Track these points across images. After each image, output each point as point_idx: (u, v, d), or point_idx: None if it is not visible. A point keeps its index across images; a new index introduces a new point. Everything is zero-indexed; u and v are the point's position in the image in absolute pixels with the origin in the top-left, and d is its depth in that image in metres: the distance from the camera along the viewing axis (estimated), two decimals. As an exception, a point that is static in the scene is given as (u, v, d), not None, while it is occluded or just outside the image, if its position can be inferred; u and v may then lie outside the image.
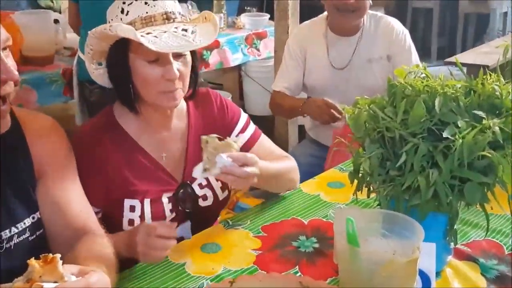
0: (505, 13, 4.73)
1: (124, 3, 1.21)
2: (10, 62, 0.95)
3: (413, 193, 0.97)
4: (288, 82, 2.10)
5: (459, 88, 1.01)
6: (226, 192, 1.38)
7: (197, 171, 1.16)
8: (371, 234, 0.92)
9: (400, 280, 0.85)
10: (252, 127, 1.41)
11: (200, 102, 1.37)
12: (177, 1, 1.26)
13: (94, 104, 2.58)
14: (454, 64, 2.88)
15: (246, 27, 3.41)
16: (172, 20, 1.21)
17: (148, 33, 1.15)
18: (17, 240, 1.02)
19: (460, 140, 0.93)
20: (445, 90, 1.00)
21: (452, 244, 1.09)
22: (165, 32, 1.17)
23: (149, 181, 1.29)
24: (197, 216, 1.32)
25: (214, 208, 1.36)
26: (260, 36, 3.43)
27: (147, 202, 1.26)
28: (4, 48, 0.94)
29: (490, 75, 1.05)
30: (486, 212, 1.00)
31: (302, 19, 2.78)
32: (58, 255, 0.78)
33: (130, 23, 1.19)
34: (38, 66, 2.72)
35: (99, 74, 1.28)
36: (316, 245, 1.20)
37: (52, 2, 3.60)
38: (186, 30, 1.18)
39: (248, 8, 4.02)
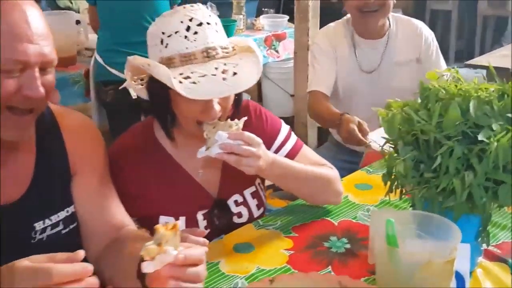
0: (525, 16, 4.72)
1: (163, 33, 1.17)
2: (50, 79, 0.97)
3: (448, 195, 0.99)
4: (325, 82, 2.05)
5: (493, 91, 1.03)
6: (262, 210, 1.38)
7: (200, 152, 1.16)
8: (407, 236, 0.93)
9: (437, 280, 0.87)
10: (294, 138, 1.39)
11: (238, 115, 1.29)
12: (220, 30, 1.20)
13: (109, 105, 2.61)
14: (473, 66, 2.88)
15: (265, 29, 3.44)
16: (212, 57, 1.15)
17: (186, 77, 1.11)
18: (50, 232, 1.05)
19: (495, 143, 0.94)
20: (479, 94, 1.01)
21: (484, 245, 1.11)
22: (204, 76, 1.12)
23: (185, 197, 1.29)
24: (230, 237, 1.30)
25: None
26: (279, 38, 3.45)
27: (182, 219, 1.27)
28: (43, 68, 0.95)
29: (522, 78, 1.06)
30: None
31: (321, 21, 2.80)
32: (178, 223, 0.84)
33: (169, 59, 1.15)
34: (62, 67, 2.77)
35: (140, 89, 1.26)
36: (348, 246, 1.22)
37: (71, 2, 3.64)
38: (226, 71, 1.13)
39: (266, 9, 4.04)
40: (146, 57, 1.21)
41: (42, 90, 0.93)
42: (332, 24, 2.17)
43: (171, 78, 1.09)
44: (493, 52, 3.35)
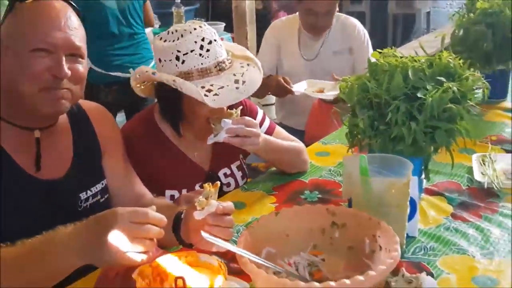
0: (428, 13, 5.28)
1: (179, 51, 1.37)
2: (80, 69, 1.17)
3: (398, 141, 1.30)
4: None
5: (423, 62, 1.35)
6: (245, 179, 1.66)
7: (210, 139, 1.42)
8: (372, 173, 1.22)
9: (399, 199, 1.17)
10: (268, 120, 1.68)
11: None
12: (221, 43, 1.45)
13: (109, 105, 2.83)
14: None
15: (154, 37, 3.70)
16: (223, 69, 1.41)
17: (208, 90, 1.36)
18: (92, 201, 1.27)
19: (430, 99, 1.26)
20: (414, 64, 1.34)
21: (425, 181, 1.43)
22: (222, 87, 1.37)
23: (184, 174, 1.55)
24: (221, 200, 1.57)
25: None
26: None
27: (183, 191, 1.52)
28: (72, 55, 1.16)
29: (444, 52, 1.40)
30: (451, 152, 1.34)
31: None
32: (218, 183, 1.09)
33: (187, 73, 1.38)
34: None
35: (141, 90, 1.50)
36: (319, 196, 1.51)
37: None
38: (237, 81, 1.39)
39: (198, 18, 4.33)
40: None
41: (67, 71, 1.12)
42: (283, 18, 2.55)
43: (201, 93, 1.33)
44: (406, 45, 3.80)
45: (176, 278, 0.82)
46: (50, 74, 1.12)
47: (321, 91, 2.24)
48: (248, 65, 1.47)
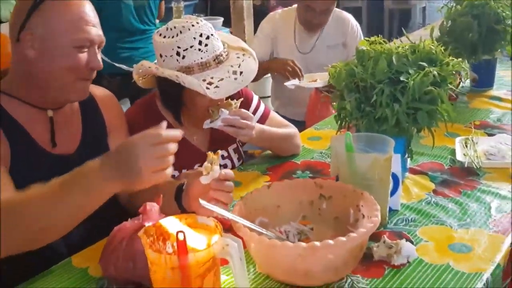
0: (424, 8, 5.38)
1: (179, 47, 1.47)
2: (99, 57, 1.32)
3: (382, 122, 1.40)
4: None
5: (407, 48, 1.45)
6: (241, 161, 1.77)
7: (206, 123, 1.52)
8: (359, 149, 1.32)
9: (381, 174, 1.27)
10: (263, 106, 1.78)
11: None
12: (217, 36, 1.54)
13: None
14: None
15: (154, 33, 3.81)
16: (221, 62, 1.51)
17: (209, 83, 1.46)
18: None
19: (412, 82, 1.36)
20: (398, 50, 1.44)
21: (409, 160, 1.53)
22: (222, 79, 1.47)
23: (185, 156, 1.61)
24: None
25: None
26: (216, 37, 3.82)
27: (184, 171, 1.61)
28: (99, 47, 1.31)
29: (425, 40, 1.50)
30: (432, 133, 1.44)
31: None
32: (219, 151, 1.21)
33: (188, 67, 1.48)
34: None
35: (143, 83, 1.61)
36: (310, 175, 1.61)
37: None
38: (235, 73, 1.50)
39: (197, 14, 4.43)
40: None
41: (101, 64, 1.29)
42: (279, 11, 2.63)
43: (202, 86, 1.44)
44: (401, 39, 3.88)
45: (178, 232, 0.92)
46: (89, 67, 1.28)
47: (315, 81, 2.34)
48: (243, 55, 1.57)
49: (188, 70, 1.49)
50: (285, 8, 2.65)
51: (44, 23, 1.25)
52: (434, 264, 1.18)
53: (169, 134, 1.06)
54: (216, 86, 1.47)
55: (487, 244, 1.25)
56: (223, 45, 1.56)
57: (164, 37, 1.50)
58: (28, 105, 1.30)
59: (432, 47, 1.46)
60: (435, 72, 1.37)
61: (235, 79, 1.50)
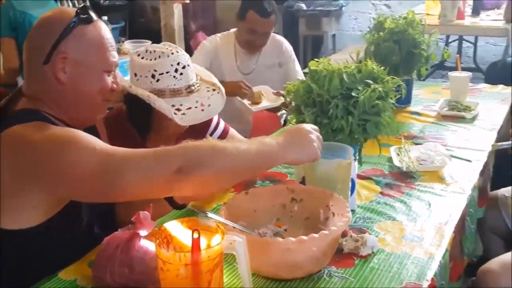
0: (334, 35, 5.78)
1: (156, 70, 1.59)
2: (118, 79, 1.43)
3: (338, 132, 1.58)
4: None
5: (354, 68, 1.65)
6: None
7: None
8: (321, 156, 1.49)
9: (343, 177, 1.45)
10: (222, 123, 1.91)
11: None
12: (193, 69, 1.68)
13: None
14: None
15: (131, 52, 3.86)
16: (192, 92, 1.63)
17: (178, 109, 1.58)
18: None
19: (362, 97, 1.56)
20: (347, 70, 1.63)
21: (357, 166, 1.73)
22: (190, 108, 1.60)
23: None
24: None
25: None
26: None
27: None
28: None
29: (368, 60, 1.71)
30: (378, 141, 1.64)
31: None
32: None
33: (160, 90, 1.59)
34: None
35: None
36: (271, 184, 1.76)
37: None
38: (203, 105, 1.62)
39: (119, 37, 4.49)
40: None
41: (120, 84, 1.40)
42: (219, 34, 2.77)
43: (171, 110, 1.55)
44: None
45: (193, 230, 1.02)
46: (111, 89, 1.38)
47: (260, 97, 2.51)
48: (213, 90, 1.71)
49: (160, 93, 1.59)
50: (224, 32, 2.81)
51: (78, 47, 1.31)
52: (394, 252, 1.37)
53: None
54: (183, 114, 1.60)
55: (433, 233, 1.46)
56: (196, 78, 1.68)
57: (142, 58, 1.60)
58: (62, 122, 1.34)
59: (374, 67, 1.67)
60: (380, 89, 1.58)
61: (202, 110, 1.63)
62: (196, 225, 1.14)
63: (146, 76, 1.59)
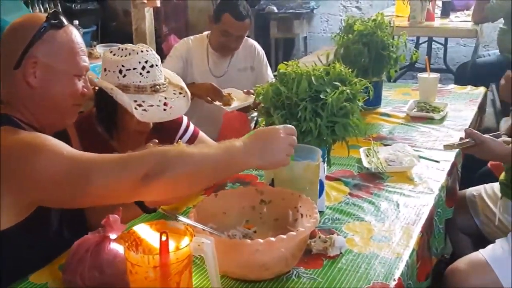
0: (305, 37, 5.81)
1: (123, 66, 1.60)
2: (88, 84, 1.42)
3: (306, 135, 1.60)
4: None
5: (322, 70, 1.67)
6: None
7: None
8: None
9: (312, 177, 1.46)
10: (192, 126, 1.92)
11: None
12: (161, 69, 1.69)
13: None
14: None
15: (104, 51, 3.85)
16: (157, 91, 1.63)
17: (139, 105, 1.58)
18: None
19: (330, 99, 1.57)
20: (315, 73, 1.65)
21: (326, 168, 1.75)
22: (152, 106, 1.60)
23: None
24: None
25: None
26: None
27: None
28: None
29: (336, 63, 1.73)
30: (347, 142, 1.66)
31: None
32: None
33: (125, 86, 1.60)
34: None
35: None
36: (241, 186, 1.76)
37: None
38: (166, 104, 1.63)
39: (92, 41, 4.45)
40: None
41: (91, 89, 1.40)
42: (191, 37, 2.76)
43: (132, 105, 1.55)
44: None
45: (161, 233, 1.03)
46: (81, 93, 1.38)
47: (229, 100, 2.51)
48: (180, 93, 1.72)
49: (125, 88, 1.60)
50: (197, 35, 2.80)
51: (48, 52, 1.31)
52: (362, 253, 1.39)
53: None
54: (144, 110, 1.60)
55: (401, 233, 1.48)
56: (165, 80, 1.68)
57: (114, 54, 1.62)
58: (31, 127, 1.32)
59: (342, 69, 1.69)
60: (348, 91, 1.60)
61: (164, 110, 1.64)
62: (165, 228, 1.14)
63: (114, 71, 1.61)
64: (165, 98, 1.66)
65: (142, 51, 1.63)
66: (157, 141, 1.53)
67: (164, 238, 1.02)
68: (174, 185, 1.17)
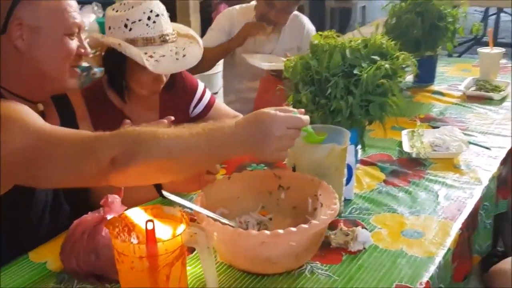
0: (363, 7, 5.52)
1: (128, 19, 1.51)
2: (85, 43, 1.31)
3: (336, 114, 1.44)
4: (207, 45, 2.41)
5: (359, 42, 1.50)
6: None
7: None
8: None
9: (338, 163, 1.31)
10: (208, 94, 1.81)
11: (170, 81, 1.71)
12: (168, 19, 1.59)
13: None
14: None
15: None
16: (166, 41, 1.53)
17: (150, 56, 1.48)
18: None
19: (365, 75, 1.41)
20: (351, 44, 1.48)
21: (360, 152, 1.59)
22: (163, 56, 1.50)
23: None
24: None
25: None
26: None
27: None
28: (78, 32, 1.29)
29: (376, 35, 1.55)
30: (384, 124, 1.49)
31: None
32: None
33: (132, 40, 1.51)
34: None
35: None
36: (265, 167, 1.63)
37: None
38: (178, 53, 1.52)
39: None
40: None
41: (89, 50, 1.29)
42: (236, 6, 2.56)
43: (143, 57, 1.44)
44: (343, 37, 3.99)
45: (147, 221, 0.92)
46: (77, 54, 1.27)
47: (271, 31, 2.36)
48: (191, 42, 1.61)
49: (132, 42, 1.52)
50: (243, 5, 2.57)
51: (33, 12, 1.21)
52: (388, 249, 1.23)
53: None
54: (156, 60, 1.51)
55: (437, 229, 1.31)
56: (173, 31, 1.58)
57: (116, 11, 1.55)
58: (19, 98, 1.23)
59: (383, 41, 1.51)
60: (387, 66, 1.42)
61: (177, 59, 1.54)
62: (161, 214, 1.04)
63: (119, 27, 1.53)
64: (176, 47, 1.56)
65: (145, 1, 1.54)
66: (172, 118, 1.40)
67: (150, 226, 0.92)
68: (145, 172, 1.04)
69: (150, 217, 1.02)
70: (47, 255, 1.24)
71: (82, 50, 1.29)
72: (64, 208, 1.36)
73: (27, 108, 1.11)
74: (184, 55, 1.55)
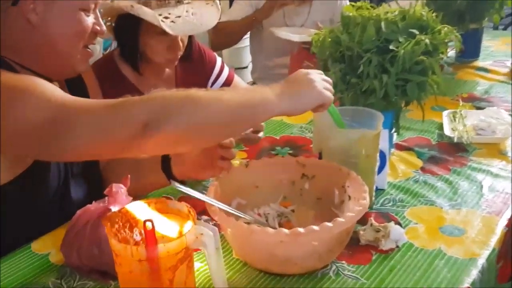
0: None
1: None
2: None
3: (369, 94, 1.30)
4: (233, 18, 2.33)
5: (397, 14, 1.34)
6: None
7: None
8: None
9: (369, 150, 1.17)
10: (227, 70, 1.70)
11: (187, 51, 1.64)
12: None
13: None
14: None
15: None
16: (181, 2, 1.45)
17: (166, 18, 1.39)
18: None
19: (402, 51, 1.25)
20: (387, 16, 1.32)
21: (395, 136, 1.44)
22: (179, 17, 1.41)
23: None
24: None
25: None
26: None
27: None
28: (94, 8, 1.19)
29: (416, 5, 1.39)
30: (422, 106, 1.34)
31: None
32: None
33: (145, 2, 1.41)
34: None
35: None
36: (290, 151, 1.50)
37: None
38: (195, 14, 1.43)
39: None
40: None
41: (104, 28, 1.20)
42: None
43: (157, 18, 1.33)
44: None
45: (145, 221, 0.81)
46: (92, 31, 1.18)
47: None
48: (207, 4, 1.52)
49: (146, 4, 1.43)
50: None
51: None
52: (425, 249, 1.10)
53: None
54: (172, 21, 1.42)
55: (480, 226, 1.16)
56: None
57: None
58: (33, 73, 1.15)
59: (423, 13, 1.35)
60: (427, 41, 1.27)
61: (194, 21, 1.45)
62: (165, 208, 0.93)
63: None
64: (192, 8, 1.46)
65: None
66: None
67: (149, 226, 0.81)
68: (181, 136, 0.93)
69: (154, 212, 0.91)
70: (51, 246, 1.15)
71: (98, 28, 1.18)
72: (72, 197, 1.26)
73: (43, 80, 1.01)
74: (201, 16, 1.46)
